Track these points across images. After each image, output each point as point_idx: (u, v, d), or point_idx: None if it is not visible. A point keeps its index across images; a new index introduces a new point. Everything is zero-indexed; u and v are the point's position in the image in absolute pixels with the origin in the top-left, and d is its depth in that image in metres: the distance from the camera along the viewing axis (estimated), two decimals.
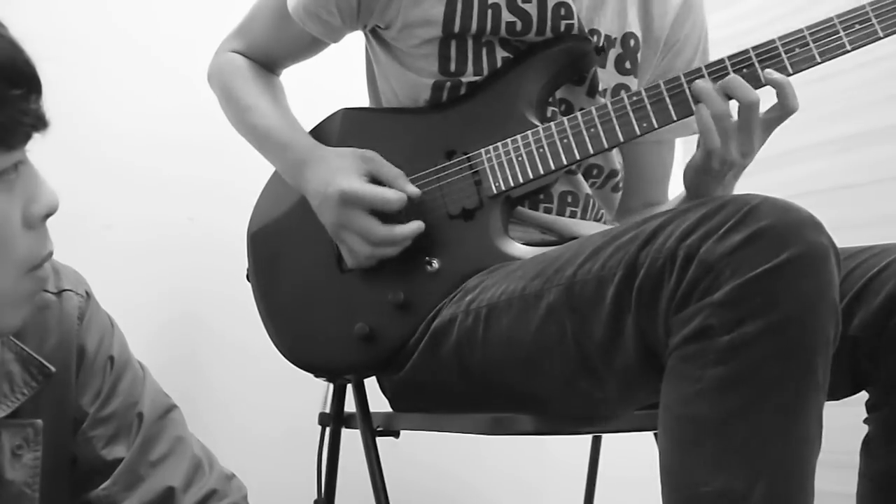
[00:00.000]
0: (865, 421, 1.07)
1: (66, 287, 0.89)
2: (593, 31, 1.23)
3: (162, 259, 1.60)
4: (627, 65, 1.26)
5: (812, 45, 1.09)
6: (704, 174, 1.13)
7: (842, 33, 1.09)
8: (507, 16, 1.18)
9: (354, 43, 1.32)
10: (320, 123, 1.29)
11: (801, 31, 1.10)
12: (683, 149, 1.41)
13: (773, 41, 1.10)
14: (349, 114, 1.28)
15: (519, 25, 1.19)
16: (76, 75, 1.53)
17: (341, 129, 1.27)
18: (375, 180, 1.17)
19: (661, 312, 0.88)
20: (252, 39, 1.34)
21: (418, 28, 1.19)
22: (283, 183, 1.27)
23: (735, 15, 1.98)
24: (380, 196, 1.14)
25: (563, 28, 1.20)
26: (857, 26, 1.09)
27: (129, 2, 1.63)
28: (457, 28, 1.18)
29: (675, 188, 1.36)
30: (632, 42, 1.26)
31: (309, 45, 1.31)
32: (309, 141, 1.24)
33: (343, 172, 1.16)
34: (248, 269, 1.27)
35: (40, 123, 0.73)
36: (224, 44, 1.36)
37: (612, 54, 1.25)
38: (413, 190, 1.16)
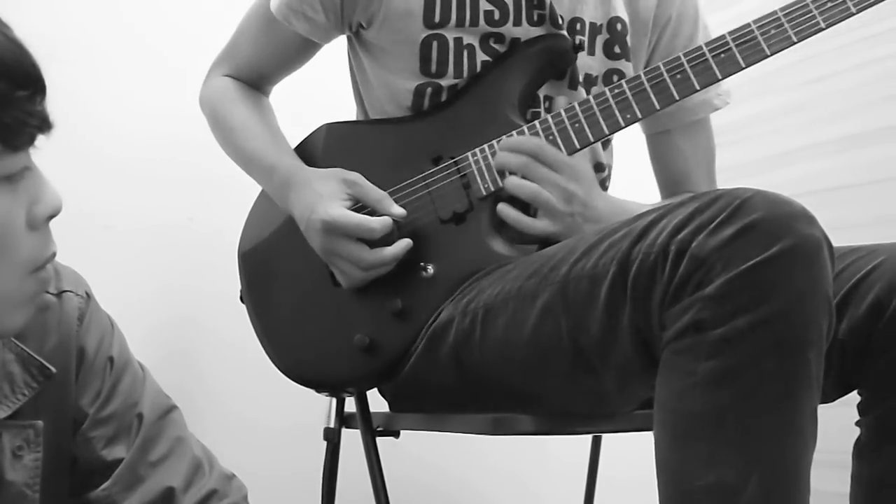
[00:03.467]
0: (857, 423, 1.07)
1: (66, 288, 0.89)
2: (576, 20, 1.24)
3: (162, 259, 1.60)
4: (617, 49, 1.26)
5: (787, 25, 1.11)
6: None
7: (815, 12, 1.10)
8: (484, 5, 1.19)
9: (341, 57, 1.33)
10: (305, 139, 1.29)
11: (775, 13, 1.12)
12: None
13: (748, 25, 1.12)
14: (333, 128, 1.28)
15: (497, 14, 1.20)
16: (77, 74, 1.53)
17: (325, 144, 1.27)
18: (359, 204, 1.17)
19: (654, 307, 0.88)
20: (239, 59, 1.34)
21: (399, 20, 1.20)
22: (271, 203, 1.27)
23: (735, 15, 1.97)
24: (364, 226, 1.14)
25: (535, 17, 1.20)
26: (830, 3, 1.10)
27: (133, 0, 1.63)
28: (437, 18, 1.19)
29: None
30: (619, 26, 1.26)
31: (298, 50, 1.30)
32: (294, 163, 1.24)
33: (325, 199, 1.16)
34: (241, 290, 1.27)
35: (45, 125, 0.73)
36: (212, 70, 1.37)
37: (600, 40, 1.25)
38: (398, 211, 1.16)
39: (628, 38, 1.27)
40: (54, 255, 0.78)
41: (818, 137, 1.74)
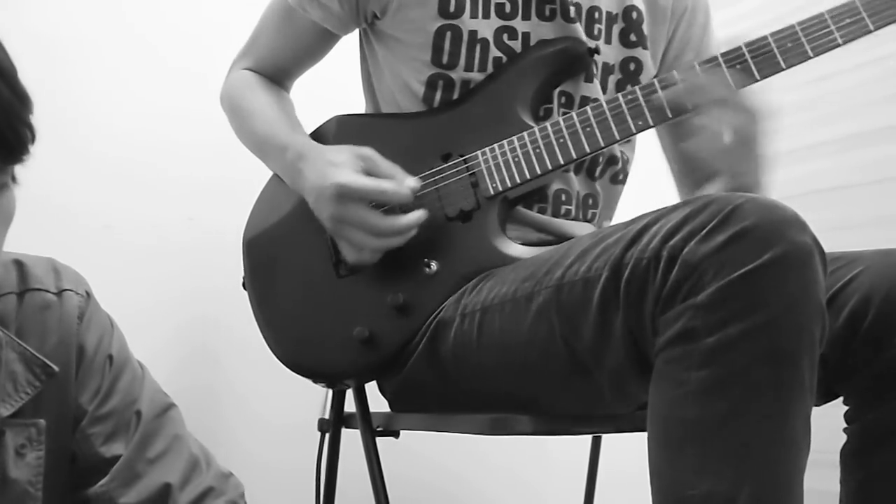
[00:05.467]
0: (844, 430, 1.07)
1: (67, 287, 0.89)
2: (594, 9, 1.24)
3: (162, 259, 1.60)
4: (633, 37, 1.27)
5: (804, 39, 1.11)
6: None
7: (832, 27, 1.11)
8: None
9: (351, 56, 1.33)
10: (315, 130, 1.29)
11: (792, 26, 1.12)
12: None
13: (765, 37, 1.12)
14: (343, 120, 1.28)
15: (508, 7, 1.20)
16: (77, 75, 1.54)
17: (336, 135, 1.27)
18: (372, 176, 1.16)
19: (647, 312, 0.88)
20: (259, 52, 1.34)
21: (413, 9, 1.20)
22: (278, 191, 1.27)
23: (737, 14, 1.98)
24: (376, 187, 1.12)
25: (547, 12, 1.21)
26: (848, 20, 1.10)
27: (133, 1, 1.63)
28: (452, 8, 1.19)
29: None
30: (634, 14, 1.27)
31: (314, 41, 1.31)
32: (308, 140, 1.24)
33: (338, 167, 1.15)
34: (244, 278, 1.27)
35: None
36: (233, 66, 1.37)
37: (616, 29, 1.26)
38: (412, 182, 1.14)
39: (644, 27, 1.27)
40: None
41: (818, 137, 1.74)
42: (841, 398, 1.08)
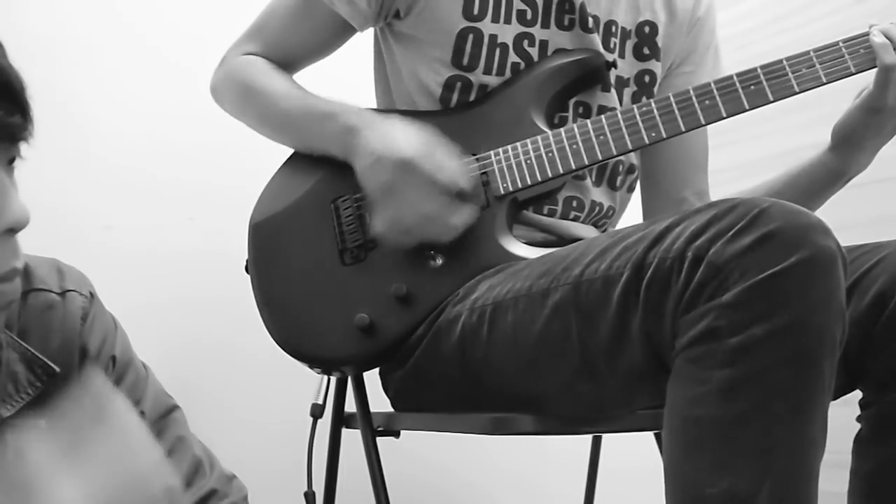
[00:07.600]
0: (858, 419, 1.08)
1: (70, 288, 0.89)
2: (611, 23, 1.26)
3: (161, 259, 1.60)
4: (646, 51, 1.29)
5: (818, 65, 1.14)
6: (873, 114, 1.16)
7: (846, 56, 1.13)
8: (518, 4, 1.22)
9: (356, 57, 1.33)
10: None
11: (807, 52, 1.14)
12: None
13: (780, 61, 1.15)
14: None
15: (529, 14, 1.22)
16: (77, 74, 1.54)
17: None
18: None
19: (668, 313, 0.88)
20: (268, 38, 1.31)
21: (439, 10, 1.21)
22: (289, 177, 1.27)
23: (737, 14, 1.98)
24: (435, 171, 1.13)
25: (566, 22, 1.22)
26: (862, 51, 1.13)
27: (133, 0, 1.63)
28: (476, 10, 1.21)
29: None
30: (647, 29, 1.29)
31: (332, 34, 1.29)
32: (365, 110, 1.23)
33: (407, 140, 1.15)
34: (247, 260, 1.26)
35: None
36: (232, 51, 1.34)
37: (629, 45, 1.28)
38: (465, 181, 1.16)
39: (658, 39, 1.29)
40: (15, 270, 0.75)
41: (818, 137, 1.73)
42: (845, 398, 1.09)
